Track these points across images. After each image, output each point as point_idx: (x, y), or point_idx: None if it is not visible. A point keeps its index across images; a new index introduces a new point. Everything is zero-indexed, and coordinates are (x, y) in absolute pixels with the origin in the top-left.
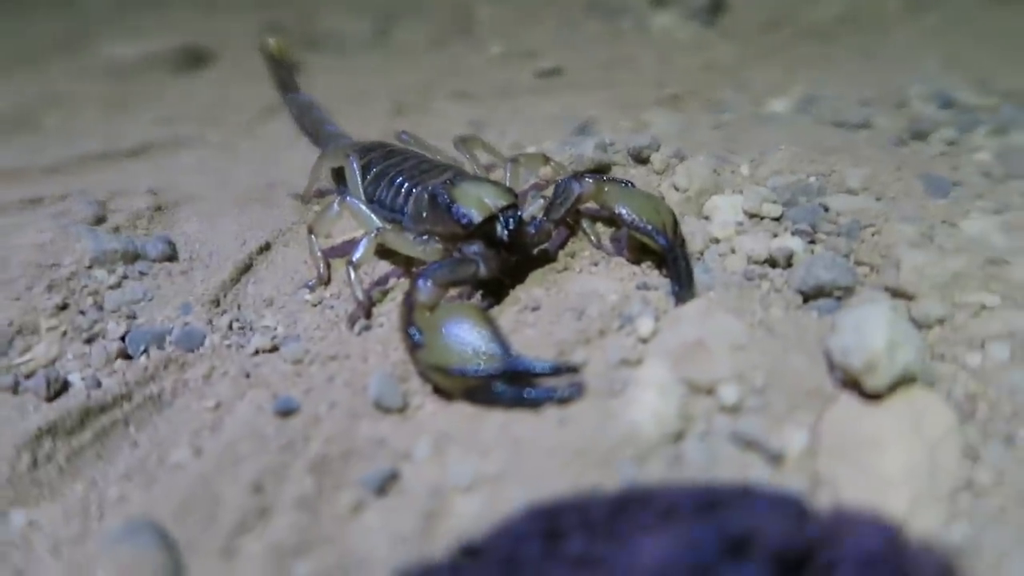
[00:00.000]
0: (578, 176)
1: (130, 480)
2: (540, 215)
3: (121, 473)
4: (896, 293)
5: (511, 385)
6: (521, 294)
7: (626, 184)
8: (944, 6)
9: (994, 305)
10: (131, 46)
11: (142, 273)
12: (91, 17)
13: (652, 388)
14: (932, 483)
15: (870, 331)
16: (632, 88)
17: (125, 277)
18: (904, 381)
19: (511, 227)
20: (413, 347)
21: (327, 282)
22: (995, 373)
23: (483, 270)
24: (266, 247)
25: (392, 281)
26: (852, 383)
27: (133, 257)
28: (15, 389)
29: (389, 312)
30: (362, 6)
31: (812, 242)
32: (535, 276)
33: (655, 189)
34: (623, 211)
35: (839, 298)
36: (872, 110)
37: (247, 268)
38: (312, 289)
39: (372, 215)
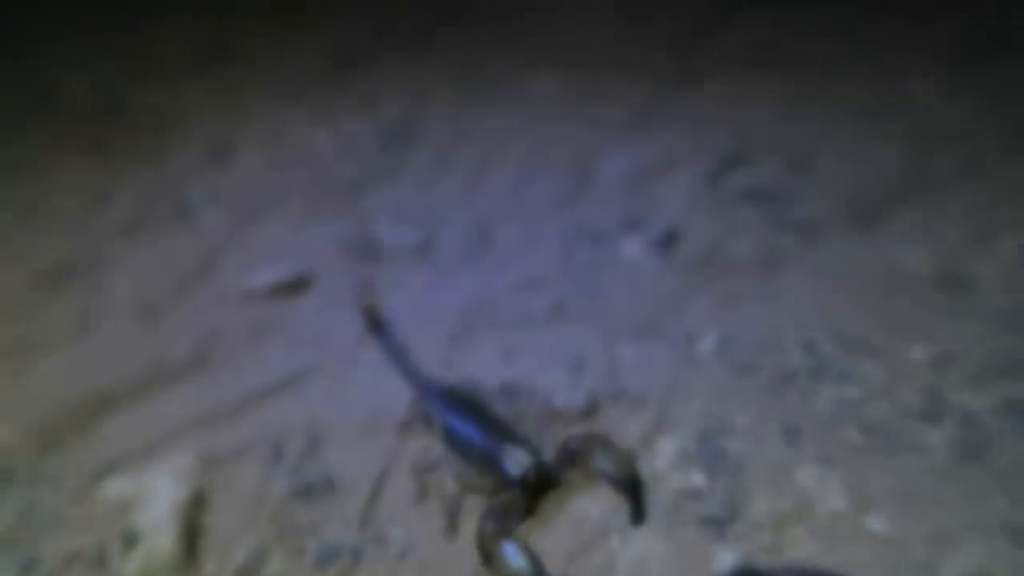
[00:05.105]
0: (574, 437)
1: None
2: (554, 463)
3: None
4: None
5: None
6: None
7: (604, 441)
8: (824, 248)
9: (802, 537)
10: (258, 277)
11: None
12: (213, 242)
13: None
14: None
15: None
16: (610, 320)
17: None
18: None
19: (537, 477)
20: (489, 565)
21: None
22: None
23: (524, 510)
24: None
25: None
26: None
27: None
28: None
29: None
30: (412, 218)
31: (713, 478)
32: (550, 498)
33: (626, 428)
34: (601, 466)
35: (721, 526)
36: (762, 355)
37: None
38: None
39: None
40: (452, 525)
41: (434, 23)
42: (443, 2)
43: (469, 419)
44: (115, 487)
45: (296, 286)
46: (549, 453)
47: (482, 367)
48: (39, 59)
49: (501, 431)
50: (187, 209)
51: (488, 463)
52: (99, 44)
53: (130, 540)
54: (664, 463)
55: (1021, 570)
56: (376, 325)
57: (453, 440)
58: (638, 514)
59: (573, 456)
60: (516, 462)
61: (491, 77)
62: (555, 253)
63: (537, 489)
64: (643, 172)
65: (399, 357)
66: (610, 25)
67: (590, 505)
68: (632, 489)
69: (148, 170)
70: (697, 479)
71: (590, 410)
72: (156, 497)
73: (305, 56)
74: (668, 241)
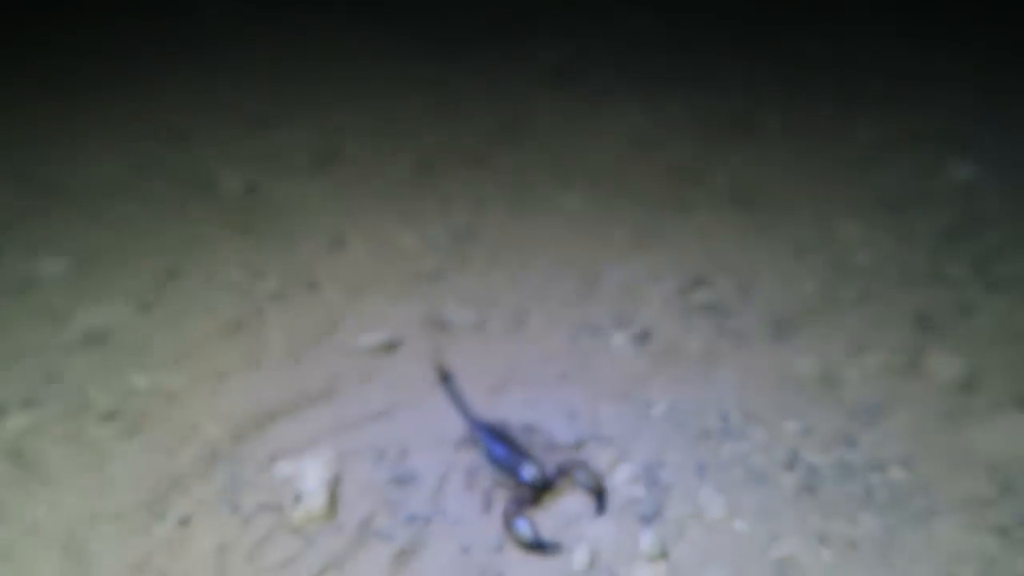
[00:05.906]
0: (566, 460)
1: None
2: (552, 475)
3: None
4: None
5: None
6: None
7: (584, 465)
8: (747, 351)
9: (695, 529)
10: (365, 339)
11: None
12: (334, 311)
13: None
14: None
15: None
16: (597, 388)
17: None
18: None
19: (541, 483)
20: (508, 532)
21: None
22: None
23: (532, 501)
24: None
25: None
26: None
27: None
28: None
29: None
30: (471, 303)
31: (649, 492)
32: (548, 496)
33: (599, 458)
34: (580, 479)
35: (649, 520)
36: (693, 419)
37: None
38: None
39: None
40: (487, 506)
41: (487, 143)
42: (495, 126)
43: (501, 444)
44: (284, 467)
45: (390, 347)
46: (550, 469)
47: (511, 411)
48: (200, 154)
49: (521, 452)
50: (316, 285)
51: (511, 472)
52: (245, 143)
53: (297, 498)
54: (620, 481)
55: (818, 560)
56: (444, 377)
57: (490, 456)
58: (600, 509)
59: (564, 472)
60: (529, 472)
61: (532, 191)
62: (566, 338)
63: (540, 490)
64: (633, 284)
65: (459, 400)
66: (624, 155)
67: (572, 502)
68: (598, 494)
69: (286, 250)
70: (638, 491)
71: (578, 445)
72: (310, 475)
73: (396, 162)
74: (643, 337)
